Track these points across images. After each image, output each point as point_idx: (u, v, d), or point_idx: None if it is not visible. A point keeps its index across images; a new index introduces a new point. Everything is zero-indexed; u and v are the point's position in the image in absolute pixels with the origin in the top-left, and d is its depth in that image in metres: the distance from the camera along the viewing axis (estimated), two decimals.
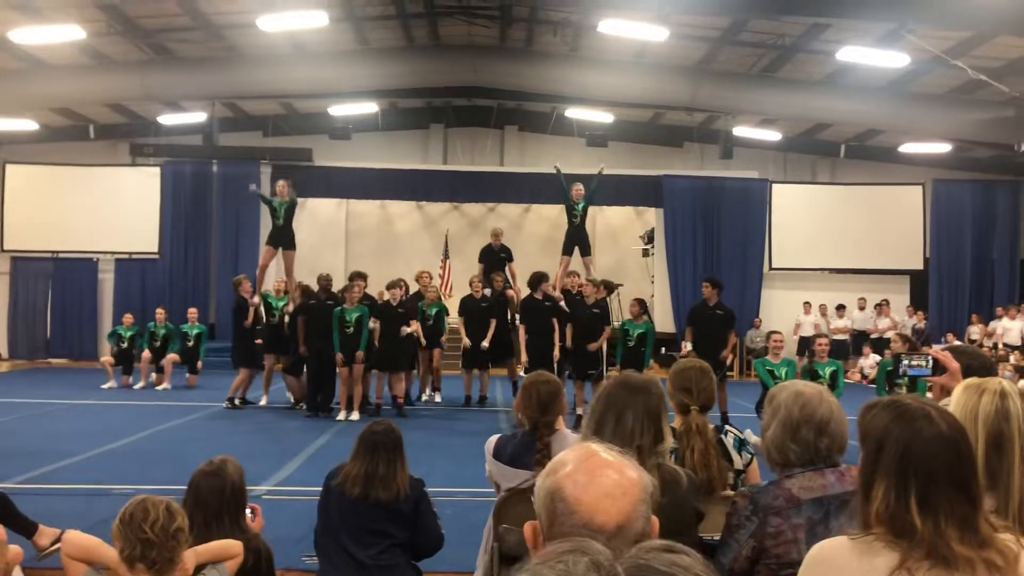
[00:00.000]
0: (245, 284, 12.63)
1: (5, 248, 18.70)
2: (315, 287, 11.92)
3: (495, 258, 13.63)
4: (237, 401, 12.00)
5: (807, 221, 19.19)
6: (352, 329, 10.93)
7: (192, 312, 15.00)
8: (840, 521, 2.32)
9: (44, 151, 18.77)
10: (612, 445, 2.62)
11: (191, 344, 14.61)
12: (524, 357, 11.20)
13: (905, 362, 2.79)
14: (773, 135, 18.82)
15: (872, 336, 18.02)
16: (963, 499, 1.77)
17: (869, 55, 13.58)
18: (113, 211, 18.39)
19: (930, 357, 2.78)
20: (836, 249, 19.12)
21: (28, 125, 17.69)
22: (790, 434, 2.47)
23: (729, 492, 3.29)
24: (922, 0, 11.51)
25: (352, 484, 3.87)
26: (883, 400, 1.93)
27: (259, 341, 12.30)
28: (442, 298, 13.41)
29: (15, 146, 18.64)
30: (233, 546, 3.13)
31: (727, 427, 3.72)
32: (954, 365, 2.82)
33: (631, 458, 1.51)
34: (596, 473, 1.43)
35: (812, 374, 9.30)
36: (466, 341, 12.32)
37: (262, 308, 12.30)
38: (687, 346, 10.83)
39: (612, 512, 1.38)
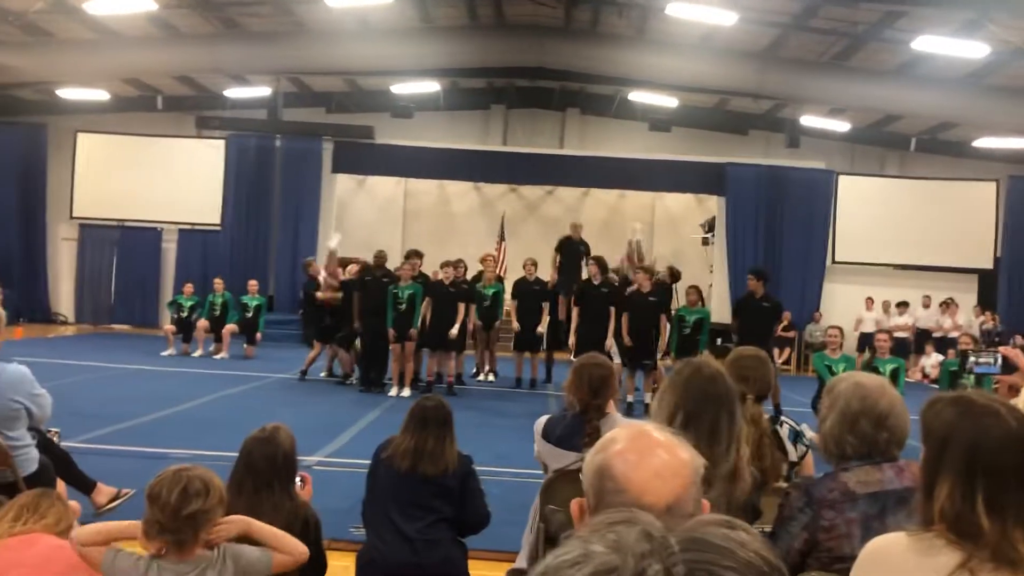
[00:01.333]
0: (314, 266, 12.85)
1: (74, 215, 19.21)
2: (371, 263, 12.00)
3: (574, 250, 13.43)
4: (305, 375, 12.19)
5: (873, 215, 18.71)
6: (405, 306, 10.99)
7: (252, 284, 15.27)
8: (897, 517, 2.24)
9: (113, 121, 19.21)
10: (705, 439, 2.56)
11: (250, 315, 14.85)
12: (572, 341, 11.07)
13: (972, 359, 2.69)
14: (841, 125, 18.37)
15: (935, 335, 17.54)
16: None
17: (946, 45, 13.15)
18: (178, 182, 18.76)
19: (998, 355, 2.68)
20: (902, 245, 18.63)
21: (99, 95, 18.11)
22: (848, 426, 2.40)
23: (782, 484, 3.21)
24: None
25: (401, 457, 3.88)
26: (948, 395, 1.86)
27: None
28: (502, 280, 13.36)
29: (87, 115, 19.12)
30: (296, 546, 2.96)
31: (782, 418, 3.64)
32: None
33: (683, 439, 1.46)
34: (647, 452, 1.40)
35: (873, 371, 9.05)
36: (516, 324, 12.30)
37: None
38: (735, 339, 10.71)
39: (662, 492, 1.34)
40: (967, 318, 17.78)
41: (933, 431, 1.82)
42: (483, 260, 12.92)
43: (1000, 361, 2.69)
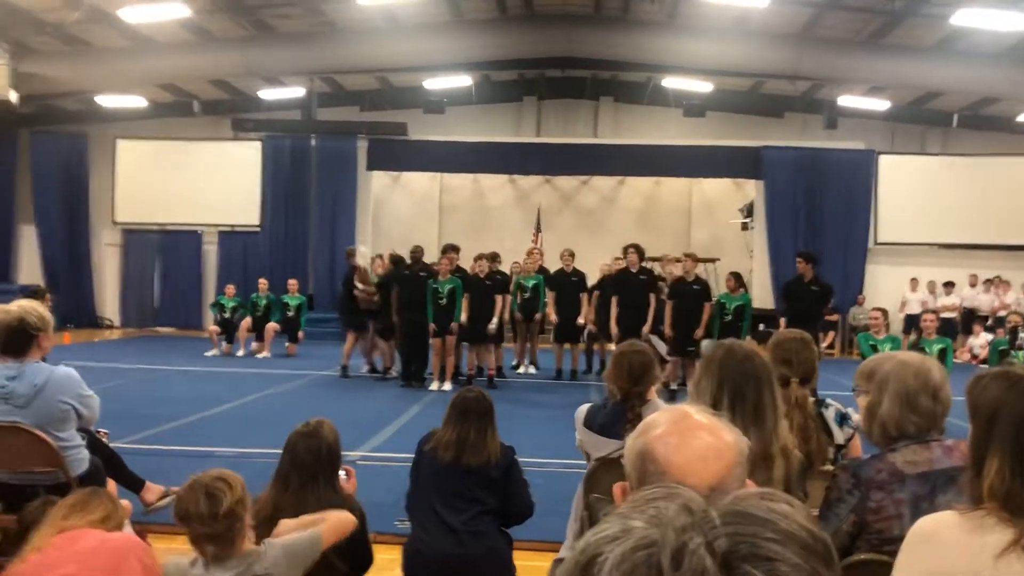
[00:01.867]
0: (356, 255, 12.91)
1: (117, 221, 19.55)
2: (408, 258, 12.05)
3: (565, 282, 12.63)
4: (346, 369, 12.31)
5: (916, 194, 18.37)
6: (445, 301, 11.02)
7: (292, 283, 15.41)
8: (948, 497, 2.20)
9: (152, 126, 19.51)
10: (731, 421, 2.53)
11: (291, 314, 15.01)
12: (615, 329, 11.02)
13: (1023, 335, 2.62)
14: (881, 104, 18.04)
15: (982, 314, 17.19)
16: None
17: (986, 17, 12.84)
18: (216, 185, 19.01)
19: None
20: (946, 223, 18.25)
21: (137, 101, 18.39)
22: (909, 405, 2.34)
23: (829, 467, 3.16)
24: None
25: (444, 449, 3.89)
26: (993, 371, 1.82)
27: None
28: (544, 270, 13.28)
29: (125, 122, 19.43)
30: (342, 517, 3.12)
31: (828, 400, 3.58)
32: None
33: (726, 421, 1.44)
34: (689, 435, 1.38)
35: (920, 352, 8.93)
36: (553, 315, 12.26)
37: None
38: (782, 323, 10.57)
39: (705, 475, 1.32)
40: (1016, 296, 17.40)
41: (980, 407, 1.79)
42: (529, 253, 12.92)
43: None
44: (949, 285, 17.68)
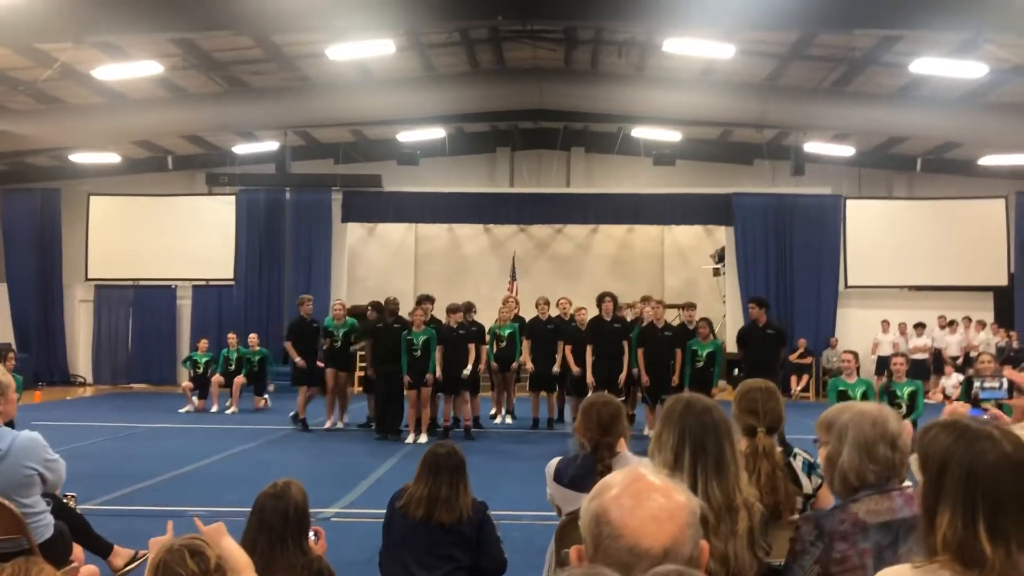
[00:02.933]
0: (307, 305, 12.81)
1: (89, 277, 19.41)
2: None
3: (542, 330, 12.69)
4: (300, 420, 12.24)
5: (884, 237, 18.67)
6: (420, 352, 11.00)
7: (252, 337, 15.40)
8: (909, 545, 2.22)
9: (125, 183, 19.50)
10: (710, 472, 2.57)
11: (255, 369, 14.95)
12: (590, 378, 11.05)
13: (978, 384, 2.67)
14: (846, 150, 18.41)
15: (952, 355, 17.37)
16: None
17: (944, 66, 13.20)
18: (191, 239, 18.97)
19: (1004, 379, 2.66)
20: (915, 266, 18.55)
21: (111, 158, 18.39)
22: (867, 454, 2.38)
23: (797, 517, 3.18)
24: (999, 8, 11.16)
25: (415, 506, 3.88)
26: (942, 421, 1.85)
27: (320, 364, 12.45)
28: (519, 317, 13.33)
29: (99, 178, 19.42)
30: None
31: (796, 450, 3.61)
32: None
33: (679, 482, 1.47)
34: (643, 496, 1.40)
35: (890, 395, 9.03)
36: (529, 364, 12.29)
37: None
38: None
39: (659, 536, 1.35)
40: (985, 336, 17.63)
41: (930, 457, 1.80)
42: (505, 301, 12.97)
43: (1006, 385, 2.67)
44: (920, 327, 17.89)
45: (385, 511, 4.07)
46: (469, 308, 12.07)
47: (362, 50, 13.68)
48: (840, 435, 2.44)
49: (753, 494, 2.74)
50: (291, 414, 12.41)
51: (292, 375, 12.94)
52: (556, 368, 12.02)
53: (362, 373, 13.29)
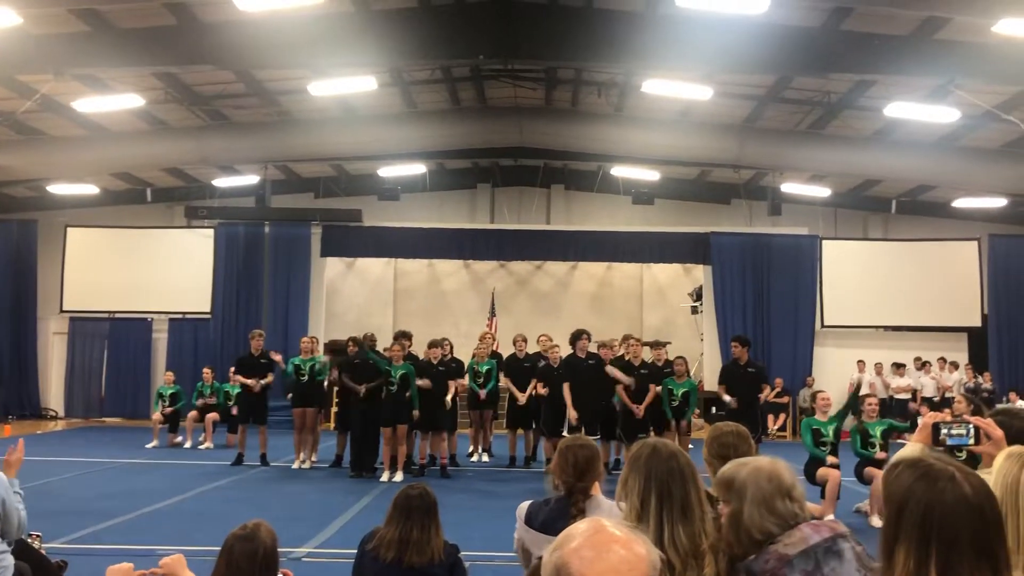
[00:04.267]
0: (256, 340, 12.74)
1: (64, 309, 19.21)
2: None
3: (519, 368, 12.68)
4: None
5: (859, 278, 18.86)
6: (396, 387, 10.93)
7: (232, 372, 14.96)
8: (831, 565, 2.27)
9: (103, 214, 19.41)
10: (676, 517, 2.59)
11: (232, 403, 14.57)
12: (572, 413, 11.01)
13: (944, 431, 2.68)
14: (822, 191, 18.66)
15: (927, 395, 17.50)
16: (987, 567, 1.68)
17: (917, 110, 13.47)
18: (167, 272, 18.85)
19: (971, 425, 2.67)
20: (890, 306, 18.72)
21: (89, 189, 18.33)
22: (767, 508, 2.42)
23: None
24: (969, 56, 11.43)
25: (386, 548, 3.84)
26: (908, 459, 1.86)
27: (290, 396, 12.47)
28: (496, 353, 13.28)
29: (76, 210, 19.29)
30: None
31: None
32: (997, 433, 2.70)
33: (640, 533, 1.47)
34: (603, 548, 1.40)
35: (863, 434, 9.08)
36: (521, 397, 12.19)
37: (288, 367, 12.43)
38: (731, 401, 10.74)
39: None
40: (959, 376, 17.77)
41: (892, 495, 1.81)
42: (482, 338, 12.91)
43: (973, 432, 2.69)
44: (899, 367, 18.02)
45: (356, 553, 4.03)
46: (444, 344, 12.04)
47: (344, 86, 13.79)
48: (740, 493, 2.48)
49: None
50: (260, 453, 12.27)
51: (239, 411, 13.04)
52: (520, 401, 11.99)
53: (336, 409, 13.19)
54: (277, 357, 12.88)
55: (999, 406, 9.66)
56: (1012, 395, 16.64)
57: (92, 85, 13.63)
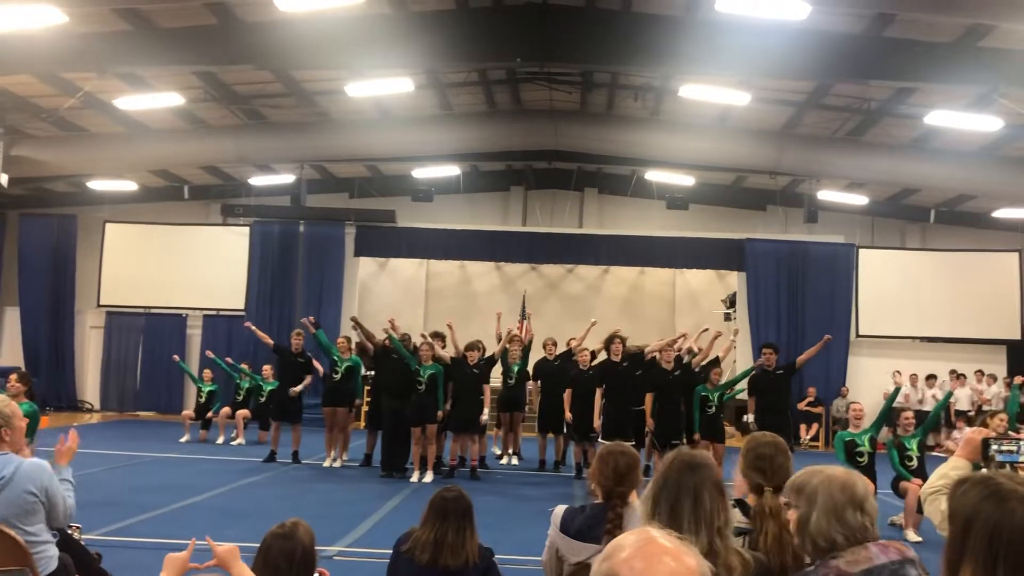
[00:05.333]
0: (297, 339, 12.81)
1: (101, 303, 19.50)
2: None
3: (551, 370, 12.75)
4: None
5: (896, 288, 18.61)
6: (424, 387, 10.95)
7: (267, 369, 14.96)
8: None
9: (141, 210, 19.67)
10: (685, 528, 2.59)
11: (263, 399, 14.68)
12: (597, 422, 10.92)
13: (995, 447, 2.64)
14: (860, 199, 18.44)
15: (962, 409, 17.21)
16: None
17: (959, 119, 13.25)
18: (203, 269, 19.07)
19: (1021, 442, 2.63)
20: (927, 317, 18.46)
21: (128, 186, 18.58)
22: (836, 518, 2.40)
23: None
24: (1014, 64, 11.23)
25: (421, 551, 3.84)
26: (976, 476, 1.84)
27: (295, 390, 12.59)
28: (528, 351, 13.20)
29: (115, 206, 19.59)
30: None
31: None
32: None
33: (690, 545, 1.45)
34: (654, 559, 1.39)
35: (899, 448, 8.95)
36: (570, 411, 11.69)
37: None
38: (750, 418, 10.68)
39: None
40: (998, 390, 17.46)
41: (958, 512, 1.80)
42: (512, 340, 12.84)
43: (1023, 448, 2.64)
44: (931, 378, 17.76)
45: (390, 553, 4.03)
46: (478, 347, 12.02)
47: (381, 88, 13.85)
48: (810, 499, 2.46)
49: (739, 554, 2.74)
50: (292, 450, 12.36)
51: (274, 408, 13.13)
52: (567, 418, 11.64)
53: (367, 408, 13.25)
54: (320, 366, 12.95)
55: None
56: None
57: (133, 84, 13.81)
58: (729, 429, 15.28)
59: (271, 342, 12.90)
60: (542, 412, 12.47)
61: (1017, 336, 18.53)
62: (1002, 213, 17.65)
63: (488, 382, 11.57)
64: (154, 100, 14.12)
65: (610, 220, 20.68)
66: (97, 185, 18.46)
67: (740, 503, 3.49)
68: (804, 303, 18.60)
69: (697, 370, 11.33)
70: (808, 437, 17.39)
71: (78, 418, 18.20)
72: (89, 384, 19.77)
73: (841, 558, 2.35)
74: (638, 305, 21.21)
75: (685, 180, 18.22)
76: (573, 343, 12.59)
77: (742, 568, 2.66)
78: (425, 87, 15.03)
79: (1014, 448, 2.64)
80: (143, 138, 16.26)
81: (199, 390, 15.29)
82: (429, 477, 10.84)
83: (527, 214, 20.95)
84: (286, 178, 18.61)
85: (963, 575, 1.72)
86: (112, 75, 13.00)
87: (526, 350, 12.73)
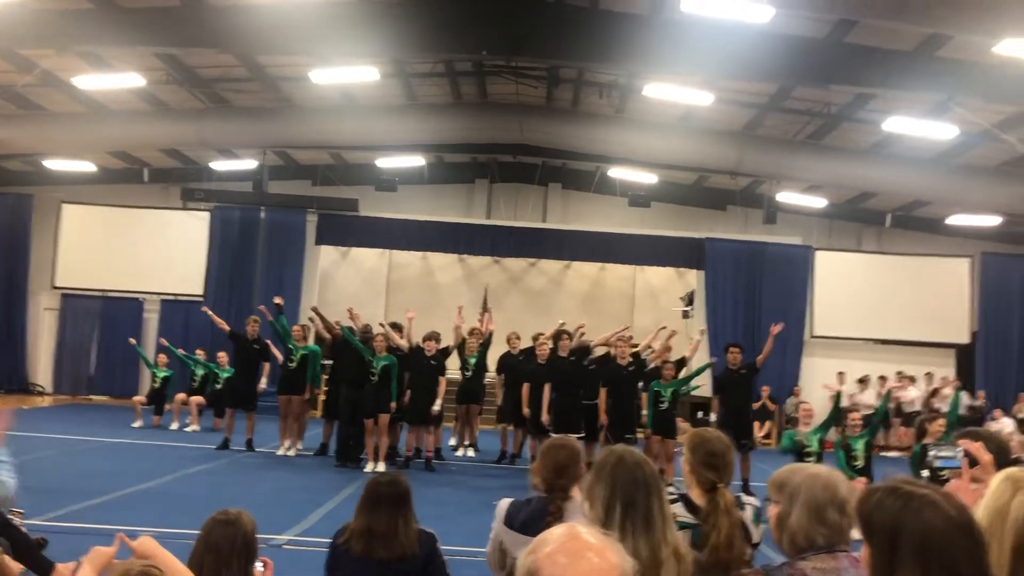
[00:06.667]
0: (252, 326, 12.78)
1: (56, 285, 19.17)
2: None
3: (514, 364, 12.77)
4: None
5: (851, 290, 18.91)
6: (377, 378, 10.92)
7: (222, 356, 14.79)
8: None
9: (99, 192, 19.35)
10: (620, 524, 2.62)
11: (219, 387, 14.55)
12: (546, 417, 10.97)
13: (933, 453, 2.70)
14: (818, 202, 18.70)
15: (910, 411, 17.55)
16: None
17: (916, 126, 13.50)
18: (161, 253, 18.82)
19: (960, 449, 2.69)
20: (880, 319, 18.77)
21: (86, 167, 18.27)
22: (817, 517, 2.40)
23: (745, 572, 3.19)
24: (969, 74, 11.46)
25: (356, 540, 3.78)
26: (884, 486, 1.86)
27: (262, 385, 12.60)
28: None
29: (72, 187, 19.23)
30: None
31: (743, 499, 3.61)
32: (986, 458, 2.71)
33: (614, 541, 1.48)
34: (576, 555, 1.41)
35: (846, 448, 9.12)
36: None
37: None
38: (712, 417, 10.80)
39: None
40: (918, 393, 17.79)
41: (877, 524, 1.79)
42: (471, 332, 12.80)
43: (962, 455, 2.70)
44: (883, 379, 18.07)
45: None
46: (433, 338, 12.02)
47: (346, 75, 13.77)
48: (791, 496, 2.46)
49: (684, 546, 2.78)
50: (247, 438, 12.28)
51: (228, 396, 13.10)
52: (544, 418, 11.27)
53: (324, 398, 13.20)
54: (278, 353, 12.83)
55: (970, 428, 9.72)
56: (997, 412, 16.73)
57: (93, 63, 13.58)
58: (684, 425, 15.43)
59: (227, 328, 12.81)
60: (505, 405, 12.52)
61: (966, 340, 18.94)
62: (955, 220, 18.00)
63: (444, 373, 11.57)
64: (114, 80, 13.90)
65: (573, 216, 20.76)
66: (54, 165, 18.14)
67: (684, 498, 3.54)
68: (761, 303, 18.82)
69: (652, 367, 11.41)
70: (761, 435, 17.60)
71: (29, 401, 17.90)
72: (41, 366, 19.44)
73: (809, 562, 2.35)
74: (599, 300, 21.33)
75: (648, 178, 18.35)
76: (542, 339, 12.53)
77: (678, 565, 2.69)
78: (391, 76, 14.96)
79: (953, 454, 2.71)
80: (103, 118, 15.99)
81: (154, 375, 15.14)
82: (382, 467, 10.82)
83: (491, 207, 20.95)
84: (248, 163, 18.42)
85: None
86: (71, 53, 12.78)
87: (485, 344, 12.70)
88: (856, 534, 2.04)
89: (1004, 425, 16.21)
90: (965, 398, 17.54)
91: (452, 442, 13.20)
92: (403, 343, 11.50)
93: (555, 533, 1.49)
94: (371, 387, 10.90)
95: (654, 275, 21.33)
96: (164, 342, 15.49)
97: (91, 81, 13.81)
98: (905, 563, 1.72)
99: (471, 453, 12.88)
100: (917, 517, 1.74)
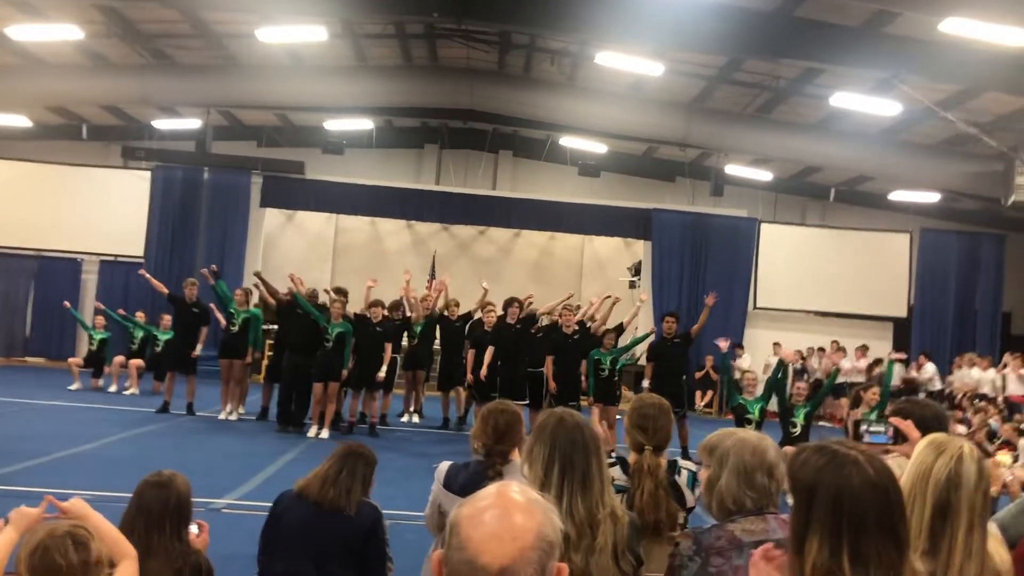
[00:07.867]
0: (190, 288, 12.58)
1: None
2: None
3: (451, 329, 12.88)
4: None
5: (794, 262, 19.23)
6: (331, 344, 10.86)
7: (166, 318, 14.42)
8: None
9: (35, 148, 18.72)
10: (557, 485, 2.64)
11: (159, 350, 14.30)
12: (470, 378, 11.10)
13: (864, 427, 2.76)
14: (764, 175, 18.93)
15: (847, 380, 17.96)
16: (892, 546, 1.72)
17: (862, 102, 13.70)
18: (101, 212, 18.30)
19: (891, 424, 2.76)
20: (821, 292, 19.15)
21: (21, 121, 17.66)
22: (745, 481, 2.45)
23: (675, 534, 3.25)
24: (915, 52, 11.63)
25: (311, 482, 3.82)
26: (812, 445, 1.89)
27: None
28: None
29: (6, 142, 18.58)
30: (126, 548, 2.80)
31: (680, 463, 3.67)
32: (915, 434, 2.78)
33: (544, 503, 1.47)
34: (492, 512, 1.40)
35: (788, 412, 9.32)
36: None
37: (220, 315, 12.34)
38: (646, 384, 10.98)
39: (496, 554, 1.35)
40: (850, 364, 18.19)
41: (799, 483, 1.82)
42: (422, 299, 12.73)
43: (892, 431, 2.77)
44: (821, 351, 18.46)
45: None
46: (397, 307, 12.00)
47: (293, 34, 13.49)
48: (721, 460, 2.50)
49: (621, 508, 2.81)
50: (187, 402, 12.10)
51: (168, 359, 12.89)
52: (481, 375, 11.37)
53: (267, 362, 13.05)
54: (219, 316, 12.60)
55: (905, 399, 9.99)
56: (922, 357, 17.32)
57: (27, 11, 13.07)
58: (628, 394, 15.62)
59: (166, 291, 12.56)
60: (441, 371, 12.56)
61: (903, 314, 19.42)
62: (897, 196, 18.37)
63: (390, 340, 11.53)
64: (50, 31, 13.40)
65: (523, 184, 20.71)
66: None
67: (621, 460, 3.59)
68: (706, 274, 19.04)
69: (598, 335, 11.48)
70: (703, 404, 17.92)
71: None
72: None
73: (738, 524, 2.40)
74: (547, 270, 21.39)
75: (598, 148, 18.37)
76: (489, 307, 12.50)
77: (614, 526, 2.72)
78: (339, 36, 14.68)
79: (883, 430, 2.77)
80: (38, 71, 15.44)
81: (91, 337, 14.78)
82: (326, 434, 10.78)
83: (441, 173, 20.80)
84: (192, 123, 17.98)
85: (810, 544, 1.74)
86: (4, 1, 12.27)
87: (433, 315, 12.69)
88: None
89: (927, 371, 16.88)
90: (898, 369, 18.03)
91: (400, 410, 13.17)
92: (348, 311, 11.37)
93: (488, 490, 1.48)
94: (325, 353, 10.83)
95: (602, 245, 21.43)
96: (100, 306, 15.13)
97: (25, 32, 13.30)
98: (818, 517, 1.75)
99: (416, 420, 12.88)
100: (837, 475, 1.77)
